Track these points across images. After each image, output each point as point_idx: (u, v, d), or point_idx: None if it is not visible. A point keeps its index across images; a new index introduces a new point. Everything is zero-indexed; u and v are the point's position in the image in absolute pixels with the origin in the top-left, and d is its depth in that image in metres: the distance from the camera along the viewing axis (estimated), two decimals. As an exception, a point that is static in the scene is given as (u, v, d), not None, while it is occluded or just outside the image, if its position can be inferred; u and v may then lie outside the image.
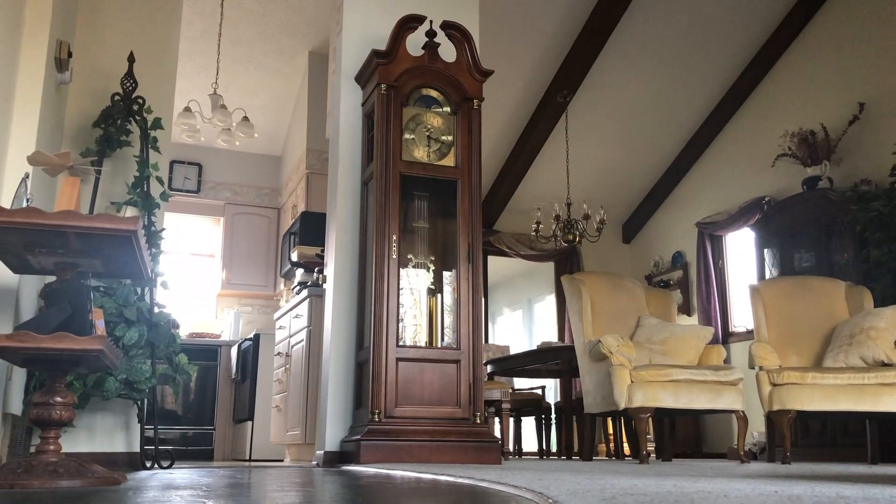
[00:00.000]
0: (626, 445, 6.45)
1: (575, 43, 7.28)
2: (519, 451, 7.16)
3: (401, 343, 4.21)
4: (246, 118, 6.46)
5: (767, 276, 6.94)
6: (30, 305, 3.32)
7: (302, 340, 5.86)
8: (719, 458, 6.99)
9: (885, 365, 4.69)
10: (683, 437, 7.65)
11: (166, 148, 4.12)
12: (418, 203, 4.62)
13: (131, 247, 2.50)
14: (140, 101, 3.91)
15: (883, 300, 5.40)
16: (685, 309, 8.42)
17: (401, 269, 4.30)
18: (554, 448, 6.97)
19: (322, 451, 4.36)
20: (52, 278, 2.65)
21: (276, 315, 6.95)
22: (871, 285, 5.51)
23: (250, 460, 6.85)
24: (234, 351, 7.92)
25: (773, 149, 7.15)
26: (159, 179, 3.99)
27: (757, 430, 6.56)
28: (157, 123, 3.97)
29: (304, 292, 5.94)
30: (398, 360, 4.13)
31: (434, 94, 4.55)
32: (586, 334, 5.11)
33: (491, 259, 8.77)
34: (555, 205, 7.47)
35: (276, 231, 8.79)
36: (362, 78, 4.70)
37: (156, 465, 3.76)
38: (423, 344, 4.36)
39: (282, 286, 8.42)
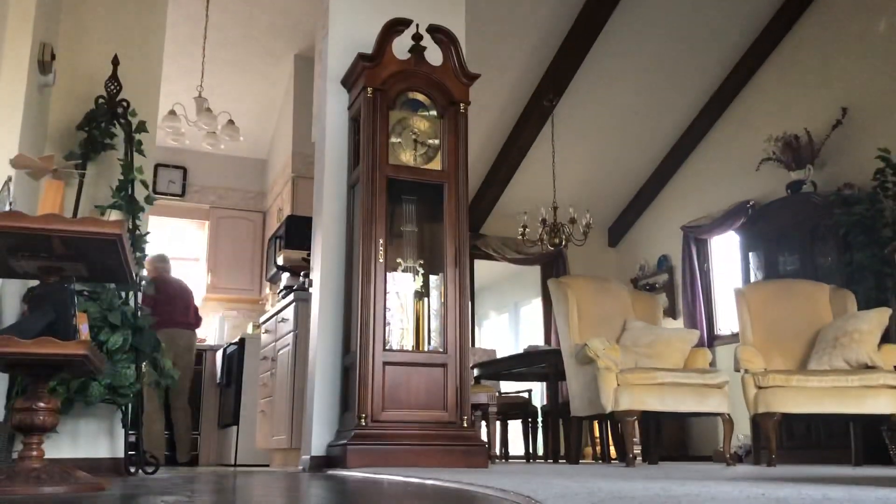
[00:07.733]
0: (612, 448, 6.46)
1: (560, 47, 7.31)
2: (506, 455, 7.16)
3: (387, 347, 4.19)
4: (231, 121, 6.43)
5: (752, 279, 6.97)
6: (12, 310, 3.29)
7: (288, 345, 5.83)
8: (705, 461, 7.02)
9: (869, 367, 4.72)
10: (669, 439, 7.66)
11: (151, 151, 4.08)
12: (405, 207, 4.61)
13: (116, 251, 2.48)
14: (124, 103, 3.88)
15: (866, 303, 5.44)
16: (671, 312, 8.44)
17: (387, 273, 4.29)
18: (541, 451, 6.97)
19: (308, 456, 4.33)
20: (35, 282, 2.62)
21: (262, 319, 6.91)
22: (854, 288, 5.55)
23: (236, 465, 6.81)
24: (219, 355, 7.87)
25: (758, 153, 7.19)
26: (144, 183, 3.95)
27: (742, 432, 6.59)
28: (142, 127, 3.93)
29: (290, 296, 5.91)
30: (385, 364, 4.12)
31: (420, 97, 4.55)
32: (572, 338, 5.11)
33: (477, 263, 8.76)
34: (541, 208, 7.48)
35: (262, 235, 8.74)
36: (348, 81, 4.69)
37: (140, 471, 3.73)
38: (409, 348, 4.36)
39: (267, 290, 8.38)
